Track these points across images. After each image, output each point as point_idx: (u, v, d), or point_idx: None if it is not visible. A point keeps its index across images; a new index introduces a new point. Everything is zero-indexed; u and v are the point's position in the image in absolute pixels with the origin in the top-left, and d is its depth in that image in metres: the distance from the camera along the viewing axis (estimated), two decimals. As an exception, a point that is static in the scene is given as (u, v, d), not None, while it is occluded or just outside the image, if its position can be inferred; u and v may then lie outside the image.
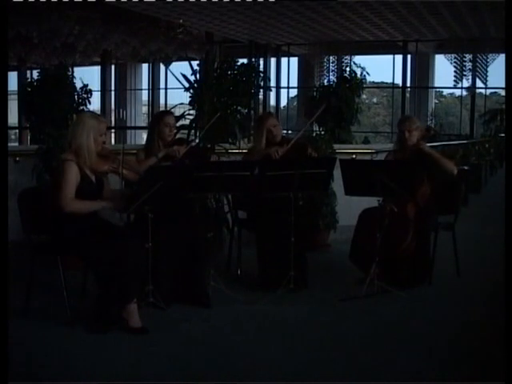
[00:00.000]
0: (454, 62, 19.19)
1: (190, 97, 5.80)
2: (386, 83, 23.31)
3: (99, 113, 21.86)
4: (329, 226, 6.00)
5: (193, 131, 5.67)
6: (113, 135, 23.35)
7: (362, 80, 7.20)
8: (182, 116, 5.71)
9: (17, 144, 18.83)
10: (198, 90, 5.70)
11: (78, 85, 5.96)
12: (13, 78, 19.37)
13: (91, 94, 5.99)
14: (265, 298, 4.31)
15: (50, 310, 4.00)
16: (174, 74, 5.92)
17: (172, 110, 6.03)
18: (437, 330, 3.83)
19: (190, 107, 5.81)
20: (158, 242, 4.05)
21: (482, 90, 19.90)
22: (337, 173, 4.53)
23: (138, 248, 3.75)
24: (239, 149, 5.74)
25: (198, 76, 5.78)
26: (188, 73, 5.78)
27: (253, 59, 17.79)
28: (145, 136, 5.75)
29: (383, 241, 4.41)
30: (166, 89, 22.45)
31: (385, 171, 4.33)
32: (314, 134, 6.72)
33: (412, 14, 14.86)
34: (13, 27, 13.43)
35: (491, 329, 3.83)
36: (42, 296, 4.17)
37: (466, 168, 8.95)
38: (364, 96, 10.37)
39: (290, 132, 19.69)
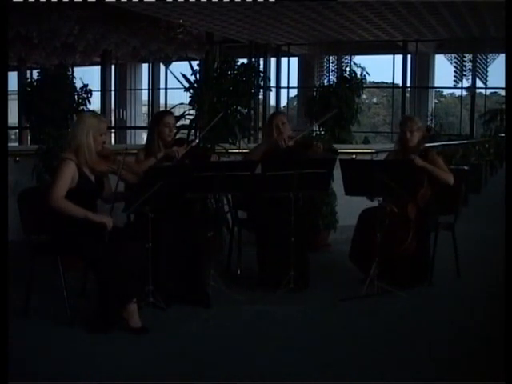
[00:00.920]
0: (454, 62, 19.20)
1: (190, 97, 5.79)
2: (386, 83, 23.31)
3: (99, 113, 21.87)
4: (329, 226, 6.00)
5: (193, 131, 5.67)
6: (113, 135, 23.36)
7: (362, 80, 7.19)
8: (182, 116, 5.70)
9: (17, 144, 18.84)
10: (198, 90, 5.70)
11: (78, 85, 5.96)
12: (13, 78, 19.37)
13: (91, 94, 5.99)
14: (265, 298, 4.31)
15: (50, 310, 4.00)
16: (173, 74, 5.92)
17: (172, 110, 6.02)
18: (437, 330, 3.84)
19: (190, 107, 5.81)
20: (158, 242, 4.04)
21: (482, 90, 19.92)
22: (337, 173, 4.53)
23: (138, 248, 3.75)
24: (239, 149, 5.74)
25: (197, 76, 5.78)
26: (188, 73, 5.78)
27: (253, 59, 17.79)
28: (145, 136, 5.75)
29: (383, 241, 4.41)
30: (166, 89, 22.46)
31: (385, 171, 4.33)
32: (314, 134, 6.72)
33: (412, 14, 14.86)
34: (13, 27, 13.45)
35: (491, 329, 3.83)
36: (42, 296, 4.17)
37: (466, 168, 8.94)
38: (364, 96, 10.36)
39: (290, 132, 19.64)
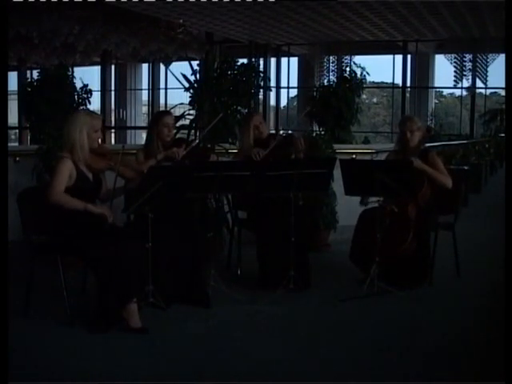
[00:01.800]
0: (454, 62, 19.21)
1: (190, 97, 5.79)
2: (386, 83, 23.32)
3: (99, 113, 21.89)
4: (329, 226, 6.00)
5: (193, 131, 5.67)
6: (113, 135, 23.39)
7: (362, 80, 7.19)
8: (182, 116, 5.71)
9: (17, 144, 18.85)
10: (198, 90, 5.70)
11: (78, 85, 5.96)
12: (13, 78, 19.39)
13: (91, 94, 5.99)
14: (265, 298, 4.31)
15: (50, 310, 4.00)
16: (174, 74, 5.92)
17: (172, 110, 6.03)
18: (437, 330, 3.84)
19: (190, 107, 5.81)
20: (158, 242, 4.04)
21: (482, 90, 19.93)
22: (337, 173, 4.53)
23: (138, 248, 3.75)
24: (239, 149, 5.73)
25: (197, 76, 5.78)
26: (188, 73, 5.78)
27: (253, 59, 17.80)
28: (145, 136, 5.75)
29: (383, 241, 4.41)
30: (166, 89, 22.48)
31: (385, 171, 4.33)
32: (314, 134, 6.72)
33: (412, 14, 14.87)
34: (13, 27, 13.44)
35: (491, 329, 3.83)
36: (42, 296, 4.17)
37: (466, 168, 8.95)
38: (364, 96, 10.36)
39: (290, 132, 19.66)
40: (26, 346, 3.45)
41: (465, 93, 20.02)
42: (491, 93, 20.74)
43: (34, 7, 13.21)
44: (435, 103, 22.59)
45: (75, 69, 16.79)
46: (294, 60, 21.85)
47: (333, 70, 19.60)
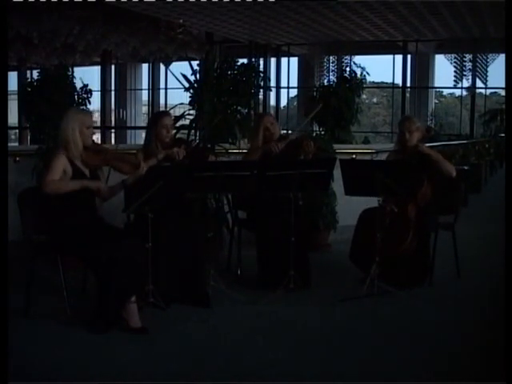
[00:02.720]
0: (454, 62, 19.21)
1: (190, 97, 5.79)
2: (386, 83, 23.32)
3: (99, 113, 21.92)
4: (329, 226, 6.00)
5: (193, 131, 5.67)
6: (113, 135, 23.39)
7: (362, 80, 7.18)
8: (182, 116, 5.70)
9: (17, 144, 18.85)
10: (198, 90, 5.69)
11: (78, 85, 5.94)
12: (13, 78, 19.38)
13: (91, 94, 5.97)
14: (265, 298, 4.31)
15: (50, 310, 4.00)
16: (174, 74, 5.91)
17: (172, 110, 6.02)
18: (437, 330, 3.83)
19: (190, 107, 5.80)
20: (158, 242, 4.04)
21: (482, 90, 19.93)
22: (337, 173, 4.53)
23: (138, 248, 3.75)
24: (239, 149, 5.73)
25: (197, 76, 5.77)
26: (188, 73, 5.77)
27: (253, 59, 17.80)
28: (144, 136, 5.74)
29: (383, 241, 4.41)
30: (166, 89, 22.47)
31: (385, 171, 4.33)
32: (314, 134, 6.72)
33: (412, 14, 14.87)
34: (13, 27, 13.44)
35: (491, 329, 3.83)
36: (42, 296, 4.17)
37: (466, 168, 8.95)
38: (364, 96, 10.35)
39: (289, 132, 19.66)
40: (25, 346, 3.45)
41: (465, 93, 20.04)
42: (491, 93, 20.75)
43: (34, 7, 13.21)
44: (435, 103, 22.59)
45: (75, 69, 16.78)
46: (294, 60, 21.87)
47: (333, 70, 19.60)
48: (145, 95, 23.47)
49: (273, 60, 21.30)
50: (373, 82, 21.30)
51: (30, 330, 3.68)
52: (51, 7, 13.52)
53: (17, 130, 21.12)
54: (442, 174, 4.66)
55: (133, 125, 23.11)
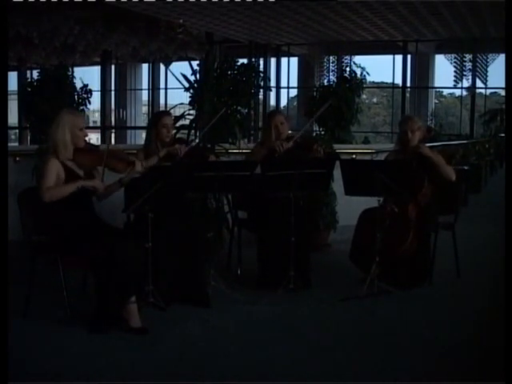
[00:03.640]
0: (454, 62, 19.20)
1: (190, 97, 5.79)
2: (386, 83, 23.31)
3: (99, 113, 21.92)
4: (329, 226, 6.00)
5: (193, 131, 5.67)
6: (113, 135, 23.39)
7: (362, 80, 7.18)
8: (182, 116, 5.70)
9: (17, 144, 18.85)
10: (198, 90, 5.69)
11: (78, 85, 5.95)
12: (13, 78, 19.38)
13: (91, 94, 5.98)
14: (265, 298, 4.31)
15: (49, 310, 4.00)
16: (174, 74, 5.91)
17: (172, 110, 6.02)
18: (437, 330, 3.83)
19: (190, 107, 5.80)
20: (157, 242, 4.04)
21: (482, 90, 19.92)
22: (337, 173, 4.53)
23: (138, 248, 3.75)
24: (239, 149, 5.73)
25: (197, 76, 5.77)
26: (188, 73, 5.77)
27: (253, 59, 17.79)
28: (144, 136, 5.74)
29: (383, 241, 4.41)
30: (166, 89, 22.47)
31: (385, 171, 4.33)
32: (314, 134, 6.72)
33: (412, 13, 14.86)
34: (13, 27, 13.44)
35: (491, 329, 3.83)
36: (42, 296, 4.17)
37: (466, 168, 8.95)
38: (364, 96, 10.34)
39: (290, 132, 19.65)
40: (25, 345, 3.45)
41: (465, 93, 20.02)
42: (491, 93, 20.74)
43: (34, 7, 13.21)
44: (435, 103, 22.58)
45: (75, 69, 16.79)
46: (294, 60, 21.85)
47: (333, 70, 19.58)
48: (145, 95, 23.47)
49: (273, 60, 21.29)
50: (373, 82, 21.30)
51: (30, 330, 3.68)
52: (51, 7, 13.52)
53: (17, 130, 21.11)
54: (441, 178, 4.66)
55: (133, 125, 23.11)
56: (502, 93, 19.04)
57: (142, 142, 4.82)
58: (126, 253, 3.62)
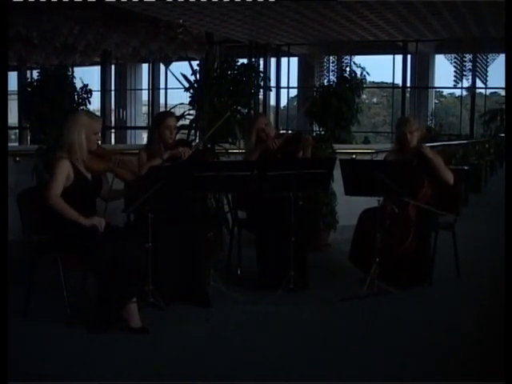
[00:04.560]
0: (454, 62, 19.21)
1: (190, 97, 5.79)
2: (386, 83, 23.31)
3: (99, 113, 21.91)
4: (329, 226, 6.00)
5: (193, 131, 5.67)
6: (113, 135, 23.39)
7: (362, 80, 7.18)
8: (182, 116, 5.70)
9: (17, 144, 18.85)
10: (198, 90, 5.69)
11: (78, 85, 5.94)
12: (13, 78, 19.38)
13: (91, 94, 5.97)
14: (265, 298, 4.31)
15: (49, 310, 4.00)
16: (174, 74, 5.91)
17: (172, 110, 6.02)
18: (437, 330, 3.83)
19: (190, 107, 5.81)
20: (158, 242, 4.04)
21: (482, 90, 19.93)
22: (337, 173, 4.53)
23: (138, 248, 3.75)
24: (239, 149, 5.73)
25: (197, 76, 5.77)
26: (188, 73, 5.77)
27: (253, 59, 17.80)
28: (145, 136, 5.75)
29: (383, 241, 4.41)
30: (166, 89, 22.47)
31: (385, 171, 4.33)
32: (314, 134, 6.72)
33: (412, 13, 14.86)
34: (13, 27, 13.45)
35: (491, 329, 3.83)
36: (42, 296, 4.17)
37: (466, 168, 8.94)
38: (364, 96, 10.35)
39: (290, 132, 19.65)
40: (26, 345, 3.45)
41: (465, 93, 20.03)
42: (491, 93, 20.74)
43: (34, 7, 13.22)
44: (435, 103, 22.58)
45: (75, 69, 16.79)
46: (294, 60, 21.86)
47: (333, 70, 19.59)
48: (145, 95, 23.47)
49: (273, 60, 21.30)
50: (373, 82, 21.30)
51: (30, 330, 3.68)
52: (51, 7, 13.53)
53: (17, 130, 21.12)
54: (439, 180, 4.67)
55: (133, 125, 23.11)
56: (502, 93, 19.05)
57: (142, 142, 4.82)
58: (126, 253, 3.62)
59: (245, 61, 8.50)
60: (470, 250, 5.66)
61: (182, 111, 5.80)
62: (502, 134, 14.91)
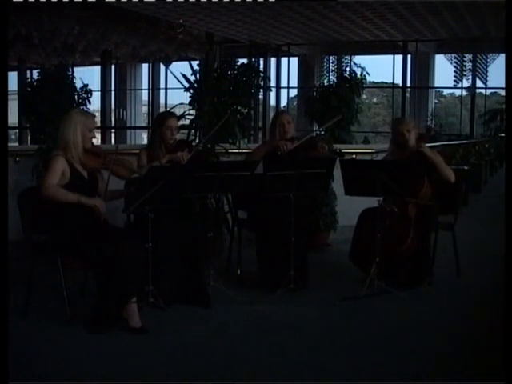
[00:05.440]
0: (454, 62, 19.21)
1: (190, 97, 5.79)
2: (386, 83, 23.29)
3: (99, 113, 21.91)
4: (329, 226, 6.00)
5: (193, 131, 5.67)
6: (113, 135, 23.38)
7: (362, 80, 7.18)
8: (182, 116, 5.70)
9: (17, 144, 18.83)
10: (198, 90, 5.70)
11: (78, 85, 5.94)
12: (13, 78, 19.37)
13: (91, 94, 5.96)
14: (265, 298, 4.31)
15: (49, 310, 4.00)
16: (174, 74, 5.91)
17: (172, 110, 6.02)
18: (437, 330, 3.83)
19: (190, 107, 5.81)
20: (158, 242, 4.04)
21: (482, 90, 19.92)
22: (337, 173, 4.53)
23: (138, 248, 3.75)
24: (239, 149, 5.73)
25: (198, 76, 5.77)
26: (188, 73, 5.77)
27: (253, 59, 17.78)
28: (145, 136, 5.75)
29: (383, 241, 4.41)
30: (166, 89, 22.44)
31: (385, 171, 4.33)
32: (314, 134, 6.70)
33: (412, 13, 14.85)
34: (13, 27, 13.43)
35: (491, 329, 3.83)
36: (42, 296, 4.17)
37: (466, 168, 8.95)
38: (364, 96, 10.35)
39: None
40: (26, 345, 3.45)
41: (465, 93, 20.01)
42: (491, 93, 20.73)
43: (34, 7, 13.20)
44: (435, 103, 22.56)
45: (75, 69, 16.77)
46: (294, 60, 21.84)
47: (333, 70, 19.57)
48: (145, 95, 23.44)
49: (273, 60, 21.28)
50: (373, 82, 21.29)
51: (30, 330, 3.69)
52: (51, 7, 13.51)
53: (17, 130, 21.10)
54: (440, 178, 4.67)
55: (133, 125, 23.09)
56: (502, 93, 19.04)
57: (142, 142, 4.83)
58: (126, 253, 3.62)
59: (245, 61, 8.50)
60: (470, 250, 5.67)
61: (182, 111, 5.80)
62: (502, 134, 14.92)
